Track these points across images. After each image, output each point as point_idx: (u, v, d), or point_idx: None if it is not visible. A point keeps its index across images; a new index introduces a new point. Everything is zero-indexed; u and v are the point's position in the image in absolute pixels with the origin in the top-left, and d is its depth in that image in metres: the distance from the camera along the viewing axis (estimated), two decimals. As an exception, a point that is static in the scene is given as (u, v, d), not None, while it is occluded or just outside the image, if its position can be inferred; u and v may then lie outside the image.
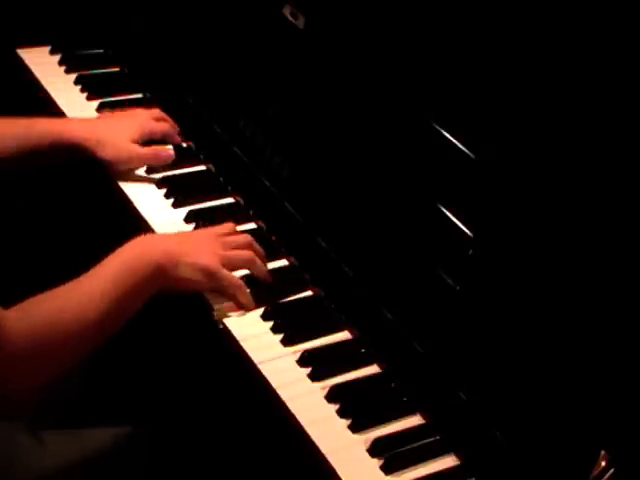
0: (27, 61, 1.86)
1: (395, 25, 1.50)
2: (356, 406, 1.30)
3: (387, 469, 1.23)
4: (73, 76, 1.85)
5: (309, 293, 1.47)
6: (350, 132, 1.51)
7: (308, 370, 1.34)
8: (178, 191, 1.60)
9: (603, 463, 1.14)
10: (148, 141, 1.64)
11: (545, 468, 1.19)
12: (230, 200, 1.63)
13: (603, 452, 1.14)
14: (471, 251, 1.32)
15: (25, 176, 1.61)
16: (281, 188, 1.57)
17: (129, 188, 1.61)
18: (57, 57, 1.88)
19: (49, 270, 1.54)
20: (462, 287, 1.31)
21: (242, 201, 1.62)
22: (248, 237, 1.47)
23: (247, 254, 1.43)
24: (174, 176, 1.65)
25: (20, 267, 1.83)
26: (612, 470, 1.13)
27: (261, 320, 1.40)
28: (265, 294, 1.43)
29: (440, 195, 1.37)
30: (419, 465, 1.25)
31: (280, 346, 1.37)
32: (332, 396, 1.30)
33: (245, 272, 1.43)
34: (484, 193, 1.34)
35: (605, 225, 1.23)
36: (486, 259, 1.31)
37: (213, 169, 1.69)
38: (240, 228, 1.55)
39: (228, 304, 1.40)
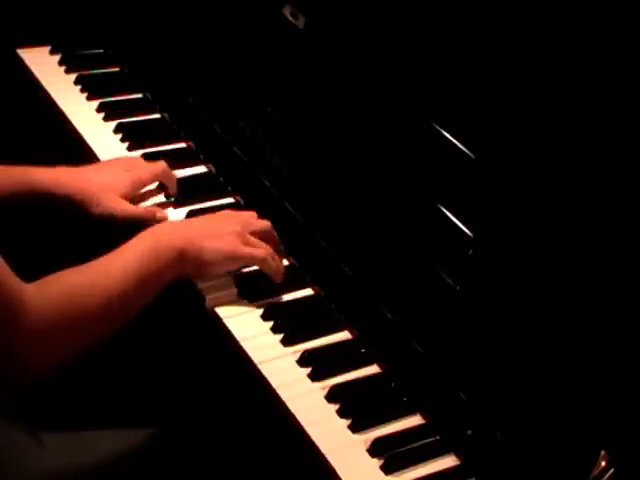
0: (27, 61, 1.86)
1: (395, 25, 1.50)
2: (356, 406, 1.30)
3: (387, 469, 1.23)
4: (73, 76, 1.85)
5: (309, 293, 1.47)
6: (350, 132, 1.51)
7: (308, 370, 1.34)
8: (178, 191, 1.60)
9: (603, 463, 1.14)
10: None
11: (545, 468, 1.19)
12: (230, 200, 1.63)
13: (603, 452, 1.14)
14: (471, 251, 1.32)
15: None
16: (281, 188, 1.57)
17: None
18: (57, 57, 1.89)
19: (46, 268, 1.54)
20: (462, 287, 1.31)
21: (242, 201, 1.62)
22: (268, 223, 1.48)
23: (267, 248, 1.43)
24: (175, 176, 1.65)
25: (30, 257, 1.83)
26: (612, 470, 1.13)
27: (261, 320, 1.40)
28: (265, 294, 1.43)
29: (440, 195, 1.37)
30: (419, 465, 1.25)
31: (280, 346, 1.37)
32: (332, 396, 1.30)
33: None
34: (484, 193, 1.34)
35: (605, 225, 1.23)
36: (486, 259, 1.31)
37: (213, 169, 1.69)
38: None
39: (220, 294, 1.40)
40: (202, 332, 1.45)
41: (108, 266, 1.27)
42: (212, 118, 1.72)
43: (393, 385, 1.35)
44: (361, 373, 1.36)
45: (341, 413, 1.29)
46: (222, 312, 1.40)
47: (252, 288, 1.43)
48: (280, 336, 1.38)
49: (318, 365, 1.34)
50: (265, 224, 1.47)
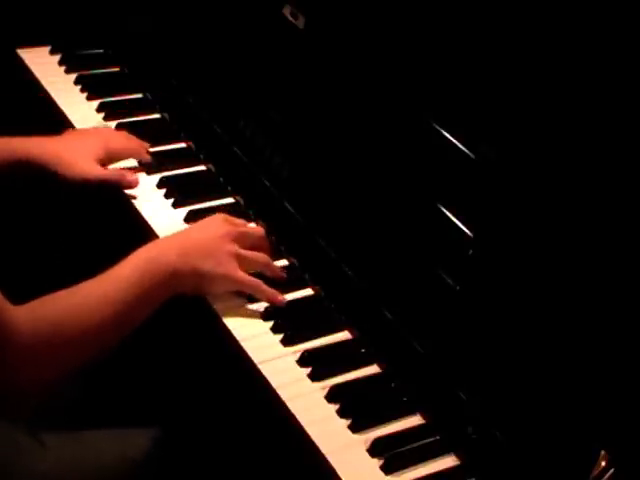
0: (27, 61, 1.86)
1: (395, 25, 1.50)
2: (356, 406, 1.30)
3: (387, 469, 1.23)
4: (73, 76, 1.85)
5: (309, 293, 1.47)
6: (350, 132, 1.51)
7: (308, 370, 1.34)
8: (178, 191, 1.60)
9: (603, 463, 1.14)
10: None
11: (545, 468, 1.19)
12: (230, 200, 1.63)
13: (603, 452, 1.14)
14: (471, 251, 1.32)
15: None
16: (281, 188, 1.57)
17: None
18: (57, 57, 1.89)
19: (53, 271, 1.54)
20: (462, 287, 1.31)
21: (242, 201, 1.62)
22: (261, 230, 1.49)
23: (262, 257, 1.44)
24: (174, 176, 1.65)
25: (27, 269, 1.83)
26: (612, 470, 1.13)
27: (261, 320, 1.40)
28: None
29: (440, 195, 1.37)
30: (419, 465, 1.25)
31: (280, 346, 1.37)
32: (332, 396, 1.30)
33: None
34: (484, 193, 1.34)
35: (605, 225, 1.23)
36: (486, 259, 1.31)
37: (213, 169, 1.69)
38: (240, 228, 1.55)
39: (228, 304, 1.40)
40: (202, 332, 1.45)
41: (101, 287, 1.27)
42: (212, 118, 1.72)
43: (393, 385, 1.35)
44: (361, 373, 1.36)
45: (341, 413, 1.29)
46: (222, 312, 1.40)
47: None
48: (280, 336, 1.38)
49: (318, 365, 1.34)
50: (258, 232, 1.48)
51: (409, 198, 1.41)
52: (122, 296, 1.28)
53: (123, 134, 1.68)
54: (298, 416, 1.27)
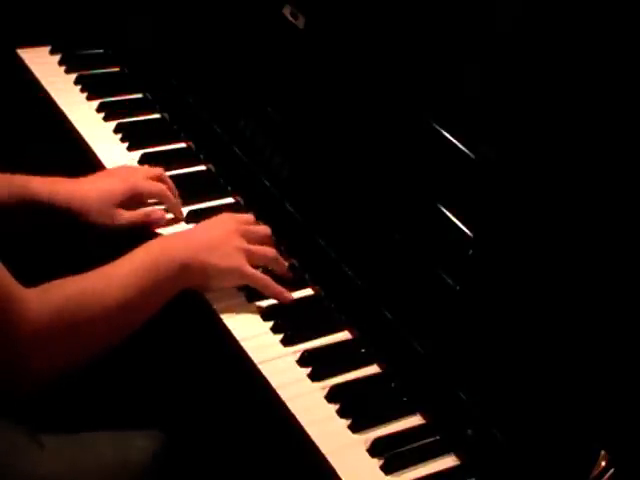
0: (27, 61, 1.86)
1: (395, 25, 1.50)
2: (356, 406, 1.30)
3: (387, 469, 1.23)
4: (73, 76, 1.85)
5: (309, 293, 1.47)
6: (350, 132, 1.51)
7: (308, 370, 1.34)
8: (179, 191, 1.60)
9: (603, 463, 1.14)
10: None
11: (545, 468, 1.19)
12: (230, 200, 1.63)
13: (603, 452, 1.14)
14: (471, 251, 1.32)
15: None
16: (281, 188, 1.57)
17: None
18: (57, 57, 1.89)
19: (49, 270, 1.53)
20: (462, 287, 1.31)
21: (242, 201, 1.62)
22: (267, 229, 1.49)
23: (271, 251, 1.45)
24: (174, 176, 1.65)
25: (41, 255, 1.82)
26: (612, 470, 1.13)
27: (261, 320, 1.40)
28: (265, 295, 1.43)
29: (440, 195, 1.37)
30: (419, 465, 1.25)
31: (280, 346, 1.37)
32: (332, 396, 1.30)
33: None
34: (484, 193, 1.34)
35: (605, 225, 1.23)
36: (486, 259, 1.31)
37: (213, 169, 1.69)
38: (240, 228, 1.55)
39: (221, 294, 1.40)
40: (202, 332, 1.45)
41: (109, 275, 1.28)
42: (212, 118, 1.72)
43: (393, 385, 1.35)
44: (361, 373, 1.36)
45: (341, 413, 1.29)
46: (222, 312, 1.40)
47: (253, 288, 1.43)
48: (280, 336, 1.38)
49: (318, 365, 1.34)
50: (265, 231, 1.48)
51: (409, 198, 1.41)
52: (132, 284, 1.28)
53: (154, 172, 1.60)
54: (298, 416, 1.27)
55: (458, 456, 1.27)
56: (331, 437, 1.25)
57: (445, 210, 1.35)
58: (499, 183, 1.33)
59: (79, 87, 1.83)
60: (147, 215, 1.55)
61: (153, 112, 1.82)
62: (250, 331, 1.38)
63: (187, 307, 1.43)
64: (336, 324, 1.42)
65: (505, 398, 1.25)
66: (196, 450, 1.52)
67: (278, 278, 1.45)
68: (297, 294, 1.46)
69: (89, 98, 1.81)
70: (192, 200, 1.60)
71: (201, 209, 1.58)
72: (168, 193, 1.56)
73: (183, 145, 1.74)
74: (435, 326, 1.33)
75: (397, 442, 1.26)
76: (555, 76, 1.31)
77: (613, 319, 1.18)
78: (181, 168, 1.68)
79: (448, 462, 1.27)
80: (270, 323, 1.39)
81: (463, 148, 1.36)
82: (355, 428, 1.27)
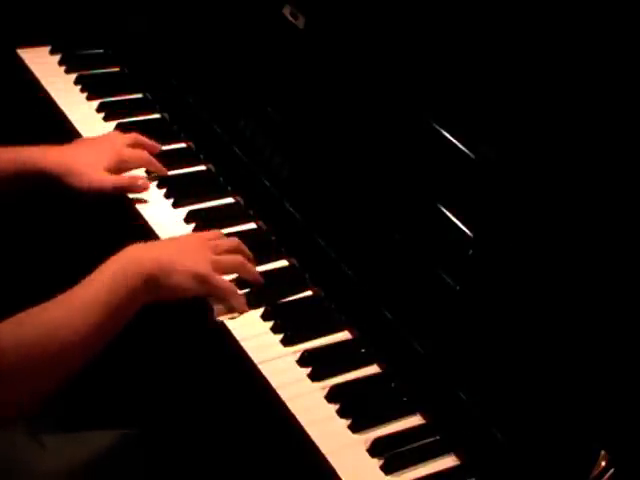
0: (27, 61, 1.86)
1: (395, 25, 1.50)
2: (356, 406, 1.30)
3: (387, 469, 1.23)
4: (73, 76, 1.85)
5: (309, 293, 1.47)
6: (350, 132, 1.51)
7: (308, 370, 1.34)
8: (178, 191, 1.60)
9: (603, 463, 1.14)
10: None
11: (545, 468, 1.19)
12: (230, 200, 1.63)
13: (603, 452, 1.14)
14: (471, 251, 1.32)
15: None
16: (281, 188, 1.57)
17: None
18: (57, 57, 1.89)
19: (49, 270, 1.54)
20: (462, 287, 1.31)
21: (242, 201, 1.62)
22: (236, 240, 1.47)
23: (237, 259, 1.43)
24: (174, 176, 1.65)
25: (17, 274, 1.83)
26: (612, 470, 1.13)
27: (261, 320, 1.40)
28: (265, 295, 1.43)
29: (440, 195, 1.37)
30: (419, 465, 1.25)
31: (280, 346, 1.37)
32: (332, 396, 1.30)
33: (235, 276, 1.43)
34: (484, 193, 1.34)
35: (605, 225, 1.23)
36: (486, 259, 1.31)
37: (213, 169, 1.69)
38: (240, 228, 1.55)
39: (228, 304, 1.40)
40: (202, 332, 1.45)
41: (79, 300, 1.26)
42: (212, 118, 1.72)
43: (393, 385, 1.35)
44: (361, 373, 1.36)
45: (341, 413, 1.29)
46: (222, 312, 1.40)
47: (253, 288, 1.43)
48: (280, 336, 1.38)
49: (318, 365, 1.34)
50: (233, 242, 1.46)
51: (409, 198, 1.41)
52: (100, 307, 1.26)
53: (133, 139, 1.65)
54: (298, 416, 1.27)
55: (458, 456, 1.27)
56: (331, 437, 1.25)
57: (445, 210, 1.35)
58: (499, 183, 1.33)
59: (79, 87, 1.83)
60: (133, 179, 1.59)
61: (153, 112, 1.82)
62: (250, 331, 1.38)
63: (187, 307, 1.43)
64: (336, 324, 1.42)
65: (505, 398, 1.25)
66: (196, 450, 1.52)
67: (278, 280, 1.45)
68: (297, 294, 1.46)
69: (89, 98, 1.81)
70: (192, 200, 1.59)
71: (201, 209, 1.58)
72: (152, 159, 1.63)
73: (183, 145, 1.74)
74: (435, 326, 1.33)
75: (397, 442, 1.26)
76: (555, 76, 1.32)
77: (613, 319, 1.19)
78: (181, 168, 1.68)
79: (448, 462, 1.27)
80: (270, 323, 1.39)
81: (463, 148, 1.36)
82: (355, 428, 1.27)
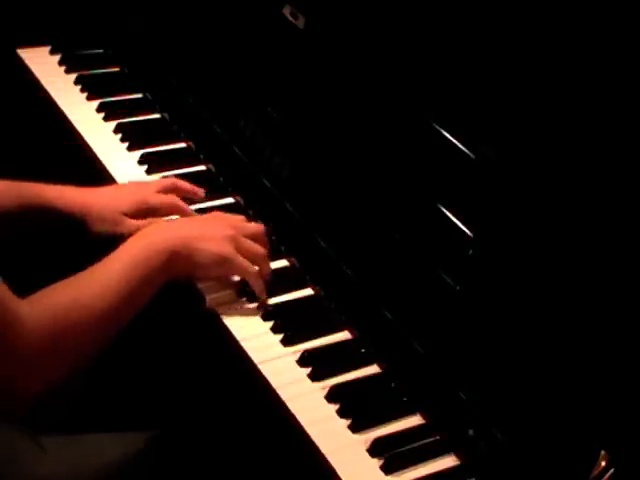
0: (27, 61, 1.86)
1: (395, 25, 1.50)
2: (356, 406, 1.30)
3: (387, 469, 1.23)
4: (73, 76, 1.85)
5: (309, 293, 1.47)
6: (350, 132, 1.51)
7: (308, 370, 1.34)
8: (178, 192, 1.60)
9: (603, 463, 1.14)
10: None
11: (545, 468, 1.19)
12: (230, 200, 1.63)
13: (603, 452, 1.14)
14: (471, 251, 1.32)
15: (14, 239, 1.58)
16: (281, 188, 1.57)
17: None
18: (57, 57, 1.89)
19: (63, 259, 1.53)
20: (462, 287, 1.31)
21: (242, 201, 1.62)
22: (261, 226, 1.48)
23: (260, 249, 1.43)
24: (174, 176, 1.65)
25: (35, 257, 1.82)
26: (612, 470, 1.13)
27: (261, 320, 1.40)
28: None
29: (440, 195, 1.37)
30: (419, 465, 1.25)
31: (280, 346, 1.37)
32: (332, 396, 1.30)
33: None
34: (484, 193, 1.34)
35: (605, 225, 1.23)
36: (486, 259, 1.31)
37: (213, 169, 1.69)
38: (240, 228, 1.55)
39: (221, 294, 1.40)
40: (202, 332, 1.45)
41: (101, 276, 1.27)
42: (212, 118, 1.72)
43: (393, 385, 1.35)
44: (361, 373, 1.36)
45: (341, 413, 1.29)
46: (222, 312, 1.40)
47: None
48: (280, 336, 1.38)
49: (318, 365, 1.34)
50: (258, 228, 1.47)
51: (409, 198, 1.41)
52: (122, 283, 1.27)
53: (169, 185, 1.58)
54: (298, 416, 1.27)
55: (458, 456, 1.27)
56: (331, 437, 1.25)
57: (445, 210, 1.35)
58: (499, 183, 1.33)
59: (79, 87, 1.83)
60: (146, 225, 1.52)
61: (153, 112, 1.82)
62: (250, 331, 1.38)
63: (187, 307, 1.43)
64: (336, 324, 1.42)
65: (505, 398, 1.25)
66: (196, 450, 1.52)
67: (278, 279, 1.45)
68: (297, 294, 1.46)
69: (89, 98, 1.81)
70: (192, 200, 1.59)
71: (201, 209, 1.58)
72: (181, 204, 1.55)
73: (183, 145, 1.75)
74: (435, 326, 1.33)
75: (397, 442, 1.26)
76: (555, 76, 1.32)
77: (613, 319, 1.18)
78: (181, 168, 1.68)
79: (448, 462, 1.27)
80: (270, 323, 1.39)
81: (463, 148, 1.36)
82: (355, 428, 1.27)
